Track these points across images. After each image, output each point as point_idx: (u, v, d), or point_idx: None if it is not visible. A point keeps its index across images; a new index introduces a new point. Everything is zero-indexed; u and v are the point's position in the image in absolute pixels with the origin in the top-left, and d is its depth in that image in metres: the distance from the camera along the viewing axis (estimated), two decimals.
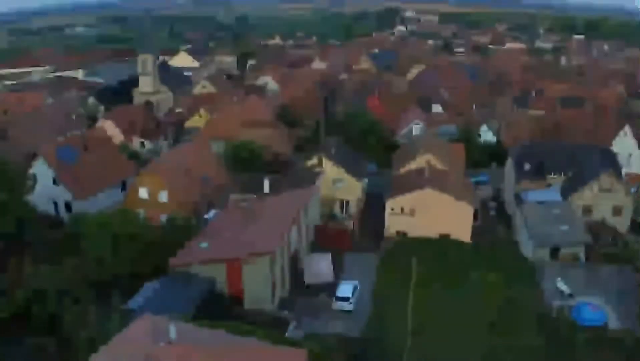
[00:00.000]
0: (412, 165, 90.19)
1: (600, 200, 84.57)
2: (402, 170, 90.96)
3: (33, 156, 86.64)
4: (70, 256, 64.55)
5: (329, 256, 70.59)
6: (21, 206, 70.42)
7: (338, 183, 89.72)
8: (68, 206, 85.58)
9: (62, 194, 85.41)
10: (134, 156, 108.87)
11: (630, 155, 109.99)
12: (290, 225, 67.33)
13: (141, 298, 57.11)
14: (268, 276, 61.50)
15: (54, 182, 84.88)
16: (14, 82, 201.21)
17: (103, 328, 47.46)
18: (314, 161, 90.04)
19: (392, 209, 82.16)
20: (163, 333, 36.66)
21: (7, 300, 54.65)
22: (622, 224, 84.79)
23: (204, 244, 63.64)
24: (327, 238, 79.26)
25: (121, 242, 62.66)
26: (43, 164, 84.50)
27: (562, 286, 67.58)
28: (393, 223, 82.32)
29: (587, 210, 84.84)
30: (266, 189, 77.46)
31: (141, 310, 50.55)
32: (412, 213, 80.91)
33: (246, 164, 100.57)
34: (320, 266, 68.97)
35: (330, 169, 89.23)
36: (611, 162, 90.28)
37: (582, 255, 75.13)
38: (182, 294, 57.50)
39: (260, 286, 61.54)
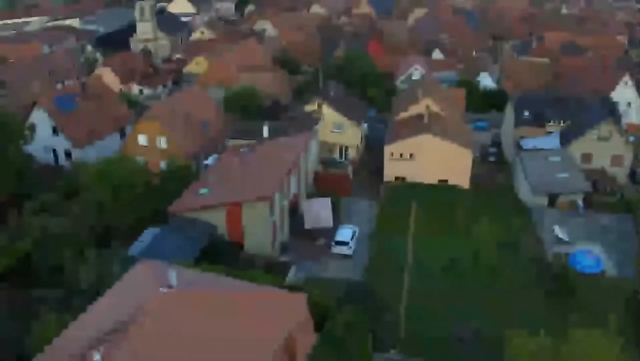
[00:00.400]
0: (412, 110, 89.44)
1: (599, 149, 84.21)
2: (402, 115, 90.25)
3: (32, 106, 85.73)
4: (71, 205, 64.40)
5: (328, 201, 70.44)
6: (20, 157, 69.84)
7: (337, 128, 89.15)
8: (68, 155, 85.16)
9: (62, 143, 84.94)
10: (132, 103, 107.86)
11: (629, 104, 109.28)
12: (290, 170, 67.05)
13: (142, 244, 57.07)
14: (268, 221, 61.44)
15: (54, 131, 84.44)
16: (12, 31, 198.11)
17: (104, 275, 47.46)
18: (313, 106, 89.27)
19: (391, 154, 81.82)
20: (164, 279, 36.63)
21: (7, 252, 54.54)
22: (621, 173, 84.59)
23: (204, 190, 63.41)
24: (327, 183, 79.19)
25: (121, 189, 62.38)
26: (42, 114, 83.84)
27: (560, 233, 67.65)
28: (392, 169, 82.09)
29: (586, 159, 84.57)
30: (265, 134, 76.87)
31: (142, 256, 50.52)
32: (411, 158, 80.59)
33: (245, 109, 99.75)
34: (319, 211, 68.86)
35: (329, 115, 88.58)
36: (611, 111, 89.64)
37: (580, 203, 75.04)
38: (183, 240, 57.44)
39: (260, 231, 61.53)
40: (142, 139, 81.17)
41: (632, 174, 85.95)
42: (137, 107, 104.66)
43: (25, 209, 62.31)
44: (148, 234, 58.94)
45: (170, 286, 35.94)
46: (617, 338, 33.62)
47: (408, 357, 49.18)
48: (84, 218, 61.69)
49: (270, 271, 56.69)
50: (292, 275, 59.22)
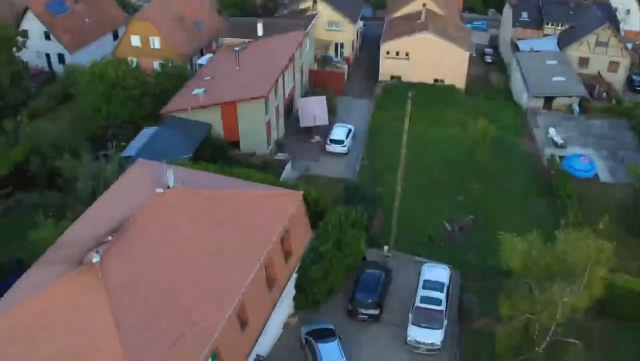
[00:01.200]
0: (409, 8, 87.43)
1: (597, 54, 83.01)
2: (398, 13, 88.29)
3: (23, 12, 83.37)
4: (66, 110, 63.60)
5: (323, 99, 69.68)
6: (14, 63, 68.22)
7: (333, 26, 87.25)
8: (61, 60, 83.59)
9: (55, 47, 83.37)
10: (125, 4, 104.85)
11: (628, 12, 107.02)
12: (284, 68, 65.98)
13: (137, 145, 56.61)
14: (263, 119, 60.96)
15: (46, 37, 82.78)
16: None
17: (101, 177, 47.26)
18: (308, 3, 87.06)
19: (387, 53, 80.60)
20: (160, 179, 36.39)
21: (3, 158, 54.08)
22: (617, 80, 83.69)
23: (198, 90, 62.41)
24: (322, 81, 78.23)
25: (115, 91, 61.50)
26: (34, 19, 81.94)
27: (555, 136, 67.45)
28: (388, 67, 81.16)
29: (583, 63, 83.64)
30: (260, 32, 75.15)
31: (138, 157, 50.08)
32: (407, 57, 79.36)
33: (239, 7, 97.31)
34: (314, 110, 68.20)
35: (325, 12, 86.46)
36: (609, 17, 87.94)
37: (576, 107, 74.53)
38: (179, 139, 57.03)
39: (255, 130, 61.17)
40: (135, 40, 79.70)
41: (628, 81, 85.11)
42: (130, 8, 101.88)
43: (21, 115, 61.34)
44: (143, 135, 58.41)
45: (167, 186, 35.74)
46: (608, 242, 33.88)
47: (400, 254, 49.83)
48: (79, 122, 61.05)
49: (266, 169, 56.66)
50: (287, 173, 59.27)
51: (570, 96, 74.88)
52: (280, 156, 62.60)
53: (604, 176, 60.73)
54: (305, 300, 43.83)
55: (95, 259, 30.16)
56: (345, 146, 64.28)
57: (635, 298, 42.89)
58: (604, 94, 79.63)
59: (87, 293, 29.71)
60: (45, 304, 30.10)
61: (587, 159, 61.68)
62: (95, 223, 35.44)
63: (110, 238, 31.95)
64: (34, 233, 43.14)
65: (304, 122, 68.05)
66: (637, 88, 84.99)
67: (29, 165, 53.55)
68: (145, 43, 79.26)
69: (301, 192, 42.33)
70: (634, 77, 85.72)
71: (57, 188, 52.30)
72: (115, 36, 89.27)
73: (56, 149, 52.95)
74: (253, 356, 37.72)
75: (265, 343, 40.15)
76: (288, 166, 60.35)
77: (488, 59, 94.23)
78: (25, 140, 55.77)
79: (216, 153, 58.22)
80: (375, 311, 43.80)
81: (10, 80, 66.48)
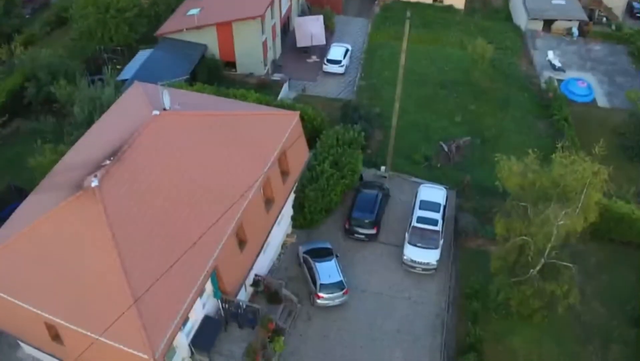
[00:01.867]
0: None
1: None
2: None
3: None
4: (61, 35, 62.26)
5: (320, 18, 68.25)
6: None
7: None
8: None
9: None
10: None
11: None
12: None
13: (133, 67, 55.81)
14: (259, 39, 59.91)
15: None
16: None
17: (97, 101, 46.67)
18: None
19: None
20: (157, 101, 35.88)
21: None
22: (617, 6, 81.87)
23: (194, 11, 61.01)
24: None
25: (109, 13, 60.17)
26: None
27: (553, 59, 66.51)
28: None
29: None
30: None
31: (134, 79, 49.31)
32: None
33: None
34: (312, 29, 66.92)
35: None
36: None
37: (575, 31, 73.19)
38: (174, 61, 56.27)
39: (251, 50, 60.20)
40: None
41: (628, 7, 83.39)
42: None
43: (15, 42, 60.08)
44: (139, 58, 57.55)
45: (164, 108, 35.29)
46: (604, 167, 33.76)
47: (396, 174, 49.89)
48: (74, 47, 59.90)
49: (263, 89, 56.11)
50: (284, 93, 58.71)
51: (570, 20, 73.45)
52: (277, 76, 61.79)
53: (602, 101, 60.14)
54: (302, 220, 44.16)
55: (94, 183, 30.00)
56: (342, 66, 63.44)
57: (629, 223, 43.15)
58: (604, 19, 78.16)
59: (86, 217, 29.69)
60: (44, 231, 30.16)
61: (586, 84, 60.91)
62: (92, 147, 35.13)
63: (107, 162, 31.69)
64: (31, 160, 42.95)
65: (301, 42, 66.88)
66: (637, 15, 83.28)
67: (25, 92, 52.80)
68: None
69: (298, 112, 41.96)
70: (634, 3, 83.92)
71: (54, 114, 51.79)
72: None
73: (51, 75, 52.13)
74: (252, 275, 38.12)
75: (264, 262, 40.58)
76: (285, 86, 59.68)
77: None
78: (20, 67, 54.87)
79: (212, 74, 57.53)
80: (372, 231, 44.10)
81: (3, 8, 64.94)
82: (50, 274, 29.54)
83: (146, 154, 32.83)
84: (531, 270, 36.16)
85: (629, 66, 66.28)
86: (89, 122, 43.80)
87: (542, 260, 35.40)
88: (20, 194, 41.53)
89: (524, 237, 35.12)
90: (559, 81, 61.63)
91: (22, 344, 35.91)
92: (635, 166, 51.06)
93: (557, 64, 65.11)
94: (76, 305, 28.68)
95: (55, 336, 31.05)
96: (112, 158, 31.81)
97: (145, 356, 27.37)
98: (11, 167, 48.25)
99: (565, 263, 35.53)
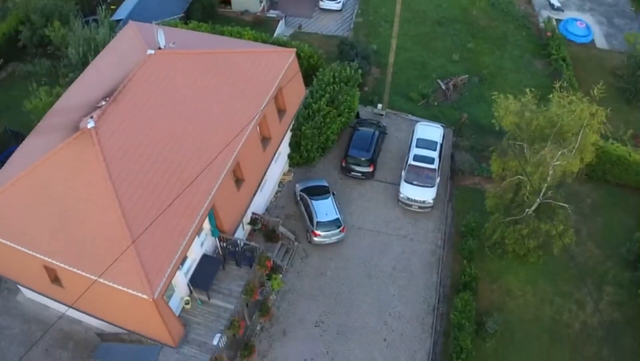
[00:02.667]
0: None
1: None
2: None
3: None
4: None
5: None
6: None
7: None
8: None
9: None
10: None
11: None
12: None
13: (127, 7, 54.48)
14: None
15: None
16: None
17: (92, 42, 45.70)
18: None
19: None
20: (151, 40, 35.11)
21: None
22: None
23: None
24: None
25: None
26: None
27: None
28: None
29: None
30: None
31: (128, 19, 48.17)
32: None
33: None
34: None
35: None
36: None
37: None
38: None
39: None
40: None
41: None
42: None
43: None
44: None
45: (159, 47, 34.58)
46: (601, 108, 33.33)
47: (393, 112, 49.43)
48: None
49: (258, 27, 55.09)
50: (280, 31, 57.70)
51: None
52: (273, 13, 60.55)
53: (600, 43, 58.95)
54: (299, 158, 43.90)
55: (90, 124, 29.61)
56: (339, 3, 62.08)
57: (626, 166, 42.91)
58: None
59: (83, 159, 29.41)
60: (42, 174, 29.92)
61: (584, 24, 59.60)
62: (88, 88, 34.60)
63: (103, 102, 31.22)
64: (27, 103, 42.36)
65: None
66: None
67: (19, 36, 51.65)
68: None
69: (294, 49, 41.26)
70: None
71: (49, 57, 50.88)
72: None
73: (45, 18, 50.85)
74: (249, 213, 38.07)
75: (261, 201, 40.54)
76: (281, 23, 58.58)
77: None
78: (14, 11, 53.50)
79: (207, 12, 56.41)
80: (369, 169, 43.92)
81: None
82: (48, 217, 29.42)
83: (142, 94, 32.34)
84: (527, 210, 36.13)
85: (628, 8, 64.82)
86: (84, 63, 43.16)
87: (538, 200, 35.28)
88: (16, 138, 41.16)
89: (520, 176, 34.93)
90: (558, 20, 60.37)
91: (21, 288, 36.18)
92: (632, 109, 50.44)
93: (556, 3, 63.64)
94: (75, 247, 28.66)
95: (55, 279, 31.20)
96: (107, 99, 31.36)
97: (145, 296, 27.47)
98: (7, 111, 47.64)
99: (560, 203, 35.47)
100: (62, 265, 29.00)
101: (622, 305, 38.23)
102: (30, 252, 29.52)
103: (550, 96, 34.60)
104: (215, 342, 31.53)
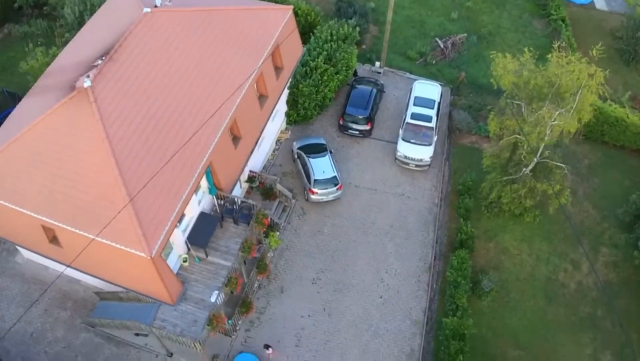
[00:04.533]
0: None
1: None
2: None
3: None
4: None
5: None
6: None
7: None
8: None
9: None
10: None
11: None
12: None
13: None
14: None
15: None
16: None
17: (87, 1, 44.65)
18: None
19: None
20: None
21: None
22: None
23: None
24: None
25: None
26: None
27: None
28: None
29: None
30: None
31: None
32: None
33: None
34: None
35: None
36: None
37: None
38: None
39: None
40: None
41: None
42: None
43: None
44: None
45: (155, 5, 33.80)
46: (600, 69, 32.79)
47: (391, 70, 48.80)
48: None
49: None
50: None
51: None
52: None
53: (600, 4, 57.78)
54: (296, 116, 43.45)
55: (86, 84, 29.04)
56: None
57: (623, 127, 42.46)
58: None
59: (79, 118, 28.91)
60: (39, 134, 29.43)
61: None
62: (84, 48, 33.82)
63: (99, 61, 30.58)
64: (24, 64, 41.67)
65: None
66: None
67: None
68: None
69: (291, 6, 40.45)
70: None
71: (45, 17, 49.77)
72: None
73: None
74: (247, 171, 37.74)
75: (258, 158, 40.21)
76: None
77: None
78: None
79: None
80: (366, 127, 43.49)
81: None
82: (46, 177, 29.05)
83: (138, 53, 31.73)
84: (524, 169, 35.84)
85: None
86: (80, 23, 42.28)
87: (535, 159, 34.97)
88: (13, 99, 40.65)
89: (518, 135, 34.55)
90: None
91: (20, 249, 36.00)
92: (631, 71, 49.68)
93: None
94: (72, 207, 28.38)
95: (53, 239, 31.06)
96: (104, 58, 30.73)
97: (142, 254, 27.28)
98: (4, 72, 46.93)
99: (557, 163, 35.19)
100: (59, 225, 28.73)
101: (618, 266, 38.31)
102: (28, 212, 29.22)
103: (549, 56, 34.06)
104: (212, 299, 31.45)
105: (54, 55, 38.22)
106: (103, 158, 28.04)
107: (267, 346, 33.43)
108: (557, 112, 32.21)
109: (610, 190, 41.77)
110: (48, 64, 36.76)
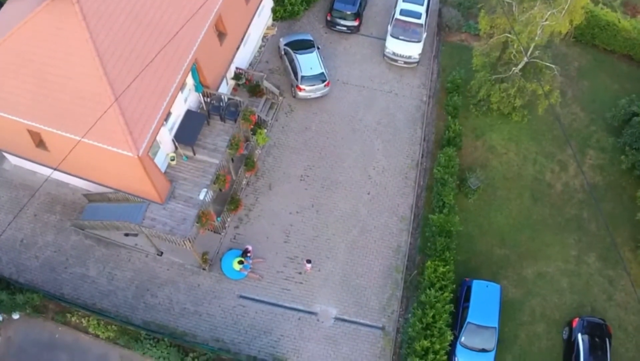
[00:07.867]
0: None
1: None
2: None
3: None
4: None
5: None
6: None
7: None
8: None
9: None
10: None
11: None
12: None
13: None
14: None
15: None
16: None
17: None
18: None
19: None
20: None
21: None
22: None
23: None
24: None
25: None
26: None
27: None
28: None
29: None
30: None
31: None
32: None
33: None
34: None
35: None
36: None
37: None
38: None
39: None
40: None
41: None
42: None
43: None
44: None
45: None
46: None
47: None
48: None
49: None
50: None
51: None
52: None
53: None
54: (283, 11, 42.27)
55: None
56: None
57: (614, 32, 41.29)
58: None
59: (62, 19, 27.58)
60: (22, 39, 28.18)
61: None
62: None
63: None
64: None
65: None
66: None
67: None
68: None
69: None
70: None
71: None
72: None
73: None
74: (233, 68, 36.86)
75: (245, 55, 39.22)
76: None
77: None
78: None
79: None
80: (354, 23, 42.26)
81: None
82: (30, 81, 28.13)
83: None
84: (513, 68, 35.25)
85: None
86: None
87: (525, 59, 34.29)
88: None
89: (508, 34, 33.69)
90: None
91: (7, 155, 35.40)
92: None
93: None
94: (58, 110, 27.73)
95: (40, 143, 30.68)
96: None
97: (130, 154, 26.91)
98: None
99: (547, 64, 34.50)
100: (45, 128, 28.18)
101: (604, 169, 38.39)
102: (13, 117, 28.52)
103: None
104: (201, 197, 31.38)
105: None
106: (87, 59, 27.07)
107: (308, 261, 33.54)
108: (549, 12, 31.27)
109: (599, 94, 41.28)
110: None
